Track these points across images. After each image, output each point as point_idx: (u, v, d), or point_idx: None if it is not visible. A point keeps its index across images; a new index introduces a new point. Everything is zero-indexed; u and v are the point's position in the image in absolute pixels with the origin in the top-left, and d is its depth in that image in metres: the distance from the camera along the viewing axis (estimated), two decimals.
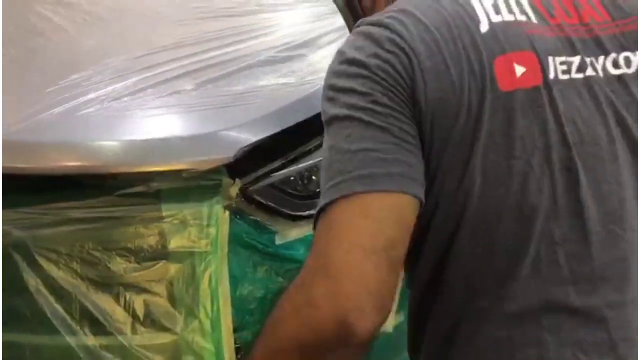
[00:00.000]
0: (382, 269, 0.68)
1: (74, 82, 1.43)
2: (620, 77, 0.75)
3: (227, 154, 1.27)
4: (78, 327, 1.27)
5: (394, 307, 1.42)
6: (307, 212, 1.38)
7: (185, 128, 1.37)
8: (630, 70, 0.75)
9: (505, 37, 0.73)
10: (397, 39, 0.71)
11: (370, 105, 0.70)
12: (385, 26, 0.73)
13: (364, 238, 0.67)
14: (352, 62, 0.72)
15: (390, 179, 0.69)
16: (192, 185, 1.29)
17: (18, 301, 1.26)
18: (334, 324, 0.66)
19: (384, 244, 0.68)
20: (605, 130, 0.73)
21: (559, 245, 0.71)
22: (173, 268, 1.28)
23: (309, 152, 1.43)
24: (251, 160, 1.32)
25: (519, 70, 0.72)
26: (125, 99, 1.39)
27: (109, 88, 1.41)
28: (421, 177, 0.72)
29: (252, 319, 1.32)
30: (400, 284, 0.79)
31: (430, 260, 0.78)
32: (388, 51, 0.71)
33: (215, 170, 1.27)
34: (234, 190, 1.31)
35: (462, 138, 0.71)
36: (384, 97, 0.70)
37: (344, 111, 0.71)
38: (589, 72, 0.74)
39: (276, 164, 1.37)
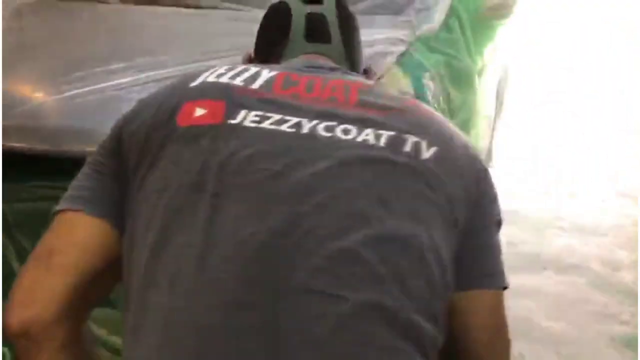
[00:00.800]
0: (38, 271, 0.80)
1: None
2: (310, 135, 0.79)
3: None
4: None
5: None
6: None
7: None
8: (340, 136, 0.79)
9: (203, 90, 0.84)
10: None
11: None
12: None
13: (37, 245, 0.83)
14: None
15: (72, 201, 0.84)
16: None
17: None
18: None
19: (44, 251, 0.82)
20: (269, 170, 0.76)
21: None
22: None
23: None
24: None
25: (199, 112, 0.81)
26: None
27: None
28: (106, 199, 0.83)
29: None
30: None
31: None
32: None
33: None
34: None
35: (148, 164, 0.80)
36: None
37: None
38: (285, 127, 0.79)
39: None
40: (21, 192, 1.46)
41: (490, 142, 4.04)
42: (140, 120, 0.83)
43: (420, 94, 1.78)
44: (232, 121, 0.79)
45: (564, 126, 4.80)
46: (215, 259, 0.72)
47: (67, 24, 2.09)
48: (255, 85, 0.84)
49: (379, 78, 1.70)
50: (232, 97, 0.82)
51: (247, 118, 0.79)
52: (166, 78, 1.57)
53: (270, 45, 1.03)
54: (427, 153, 0.80)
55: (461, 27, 2.30)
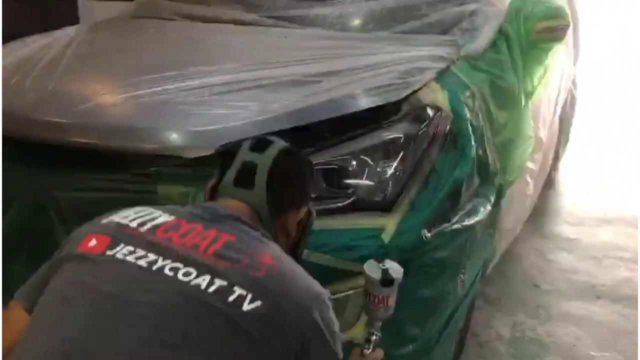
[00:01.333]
0: None
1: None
2: (159, 270, 0.98)
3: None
4: None
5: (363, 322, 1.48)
6: None
7: (202, 123, 1.59)
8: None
9: (104, 226, 1.08)
10: None
11: None
12: None
13: None
14: None
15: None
16: (185, 172, 1.53)
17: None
18: None
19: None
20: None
21: None
22: None
23: None
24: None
25: (93, 242, 1.04)
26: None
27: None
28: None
29: None
30: None
31: None
32: None
33: (200, 161, 1.49)
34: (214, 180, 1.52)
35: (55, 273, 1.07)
36: None
37: None
38: (143, 262, 1.00)
39: None
40: (75, 183, 1.62)
41: (554, 170, 4.00)
42: (66, 241, 1.11)
43: (456, 110, 1.82)
44: (109, 252, 1.01)
45: (630, 154, 4.67)
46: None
47: (134, 37, 2.29)
48: (143, 228, 1.05)
49: (415, 91, 1.77)
50: (120, 235, 1.04)
51: (120, 251, 1.01)
52: (212, 85, 1.70)
53: (216, 181, 1.22)
54: (248, 306, 0.95)
55: (509, 48, 2.32)
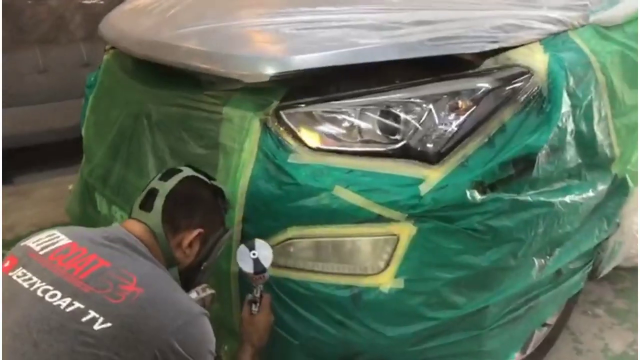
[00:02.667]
0: None
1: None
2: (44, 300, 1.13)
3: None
4: None
5: (393, 270, 1.50)
6: (327, 147, 1.56)
7: (271, 51, 1.65)
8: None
9: (17, 249, 1.25)
10: None
11: None
12: None
13: None
14: None
15: None
16: (246, 97, 1.63)
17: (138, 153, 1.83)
18: None
19: None
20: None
21: None
22: (220, 156, 1.64)
23: (352, 96, 1.59)
24: (286, 85, 1.57)
25: (7, 263, 1.22)
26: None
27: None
28: None
29: (254, 214, 1.58)
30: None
31: None
32: None
33: (262, 89, 1.57)
34: (270, 109, 1.59)
35: None
36: None
37: None
38: (26, 283, 1.17)
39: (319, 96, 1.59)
40: (162, 98, 1.81)
41: None
42: None
43: (553, 74, 1.65)
44: (10, 273, 1.19)
45: None
46: None
47: None
48: (42, 251, 1.22)
49: (507, 48, 1.64)
50: (23, 257, 1.21)
51: (16, 273, 1.18)
52: (302, 22, 1.76)
53: None
54: (98, 326, 1.09)
55: None
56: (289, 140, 1.57)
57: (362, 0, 1.94)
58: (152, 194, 1.38)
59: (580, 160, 1.79)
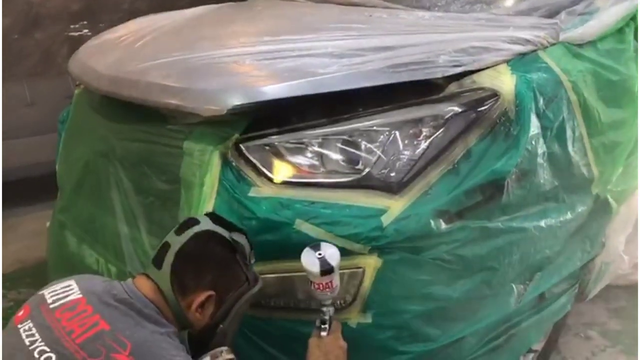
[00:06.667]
0: None
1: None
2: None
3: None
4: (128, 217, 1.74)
5: (360, 304, 1.45)
6: (285, 179, 1.52)
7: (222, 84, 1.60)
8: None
9: (35, 298, 1.26)
10: None
11: None
12: None
13: None
14: None
15: None
16: (207, 131, 1.60)
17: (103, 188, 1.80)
18: None
19: None
20: None
21: None
22: (182, 191, 1.61)
23: (313, 126, 1.55)
24: (247, 117, 1.54)
25: (20, 312, 1.23)
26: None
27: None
28: None
29: None
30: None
31: None
32: None
33: (223, 122, 1.54)
34: (230, 142, 1.56)
35: None
36: None
37: None
38: (27, 339, 1.17)
39: (278, 129, 1.56)
40: (126, 132, 1.78)
41: None
42: None
43: (521, 96, 1.61)
44: (19, 325, 1.20)
45: None
46: None
47: (238, 13, 2.42)
48: (52, 305, 1.21)
49: (472, 72, 1.61)
50: (34, 309, 1.21)
51: (24, 325, 1.19)
52: (263, 52, 1.73)
53: None
54: None
55: (637, 38, 1.98)
56: (250, 173, 1.54)
57: (327, 27, 1.92)
58: (165, 248, 1.30)
59: (556, 183, 1.74)
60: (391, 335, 1.52)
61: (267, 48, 1.75)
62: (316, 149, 1.54)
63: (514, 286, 1.74)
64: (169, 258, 1.28)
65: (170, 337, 1.21)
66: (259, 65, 1.65)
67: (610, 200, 1.99)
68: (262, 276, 1.50)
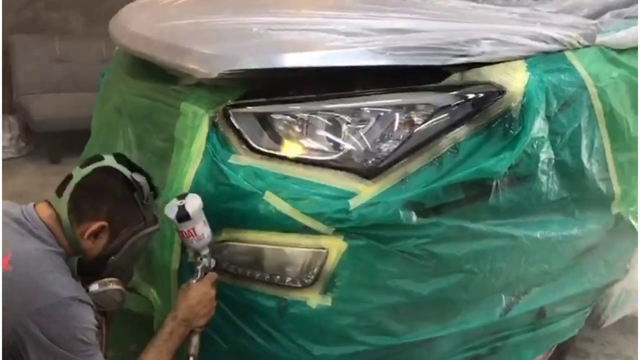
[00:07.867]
0: None
1: None
2: None
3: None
4: None
5: (321, 285, 1.44)
6: (264, 149, 1.51)
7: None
8: None
9: None
10: None
11: None
12: None
13: None
14: None
15: None
16: (203, 94, 1.61)
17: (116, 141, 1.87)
18: None
19: None
20: None
21: None
22: (174, 150, 1.64)
23: (302, 101, 1.53)
24: (244, 86, 1.54)
25: None
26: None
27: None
28: None
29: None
30: None
31: None
32: None
33: (218, 86, 1.55)
34: (220, 108, 1.57)
35: None
36: None
37: None
38: None
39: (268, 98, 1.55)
40: (136, 88, 1.83)
41: None
42: None
43: (530, 95, 1.51)
44: None
45: None
46: None
47: None
48: None
49: (479, 64, 1.52)
50: None
51: None
52: (270, 23, 1.73)
53: None
54: None
55: None
56: (233, 140, 1.54)
57: (353, 6, 1.88)
58: (68, 179, 1.38)
59: (565, 195, 1.63)
60: (350, 323, 1.49)
61: (281, 20, 1.74)
62: (300, 123, 1.51)
63: (503, 296, 1.65)
64: (70, 188, 1.36)
65: (54, 256, 1.29)
66: (263, 35, 1.64)
67: (634, 223, 1.83)
68: (229, 244, 1.52)
